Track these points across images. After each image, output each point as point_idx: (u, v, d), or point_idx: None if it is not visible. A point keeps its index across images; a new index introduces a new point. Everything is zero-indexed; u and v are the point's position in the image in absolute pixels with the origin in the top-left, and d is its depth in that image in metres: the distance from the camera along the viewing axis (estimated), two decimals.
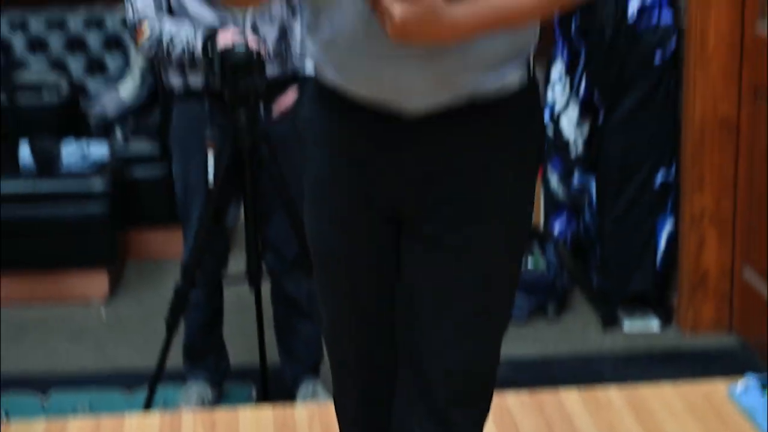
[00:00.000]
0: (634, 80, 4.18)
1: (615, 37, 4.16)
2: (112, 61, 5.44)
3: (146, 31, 3.37)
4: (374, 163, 1.95)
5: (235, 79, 3.21)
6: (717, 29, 4.05)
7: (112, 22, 5.46)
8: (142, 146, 5.00)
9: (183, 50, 3.32)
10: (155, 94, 5.15)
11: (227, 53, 3.19)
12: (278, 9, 3.38)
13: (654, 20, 4.17)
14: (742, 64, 4.05)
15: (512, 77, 1.92)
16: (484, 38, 1.84)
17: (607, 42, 4.18)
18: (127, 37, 5.39)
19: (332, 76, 1.96)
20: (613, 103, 4.23)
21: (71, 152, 4.78)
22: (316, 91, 2.04)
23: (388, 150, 1.94)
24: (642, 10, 4.15)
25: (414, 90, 1.88)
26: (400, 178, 1.94)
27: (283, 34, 3.41)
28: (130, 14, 3.41)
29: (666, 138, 4.23)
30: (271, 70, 3.36)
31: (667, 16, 4.17)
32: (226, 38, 3.22)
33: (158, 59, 3.46)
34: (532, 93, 1.99)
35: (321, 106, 2.03)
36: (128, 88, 5.17)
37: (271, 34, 3.37)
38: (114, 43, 5.45)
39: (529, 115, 1.99)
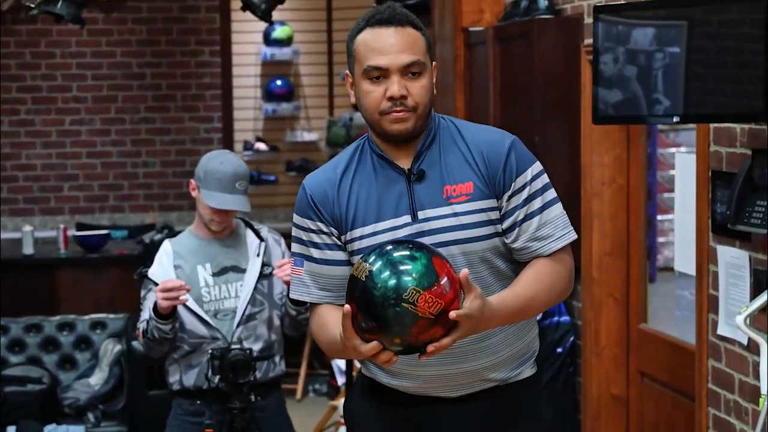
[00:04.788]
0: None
1: None
2: (81, 357, 6.21)
3: (140, 333, 4.16)
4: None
5: (233, 373, 4.03)
6: (607, 326, 5.01)
7: (82, 326, 6.27)
8: (112, 429, 5.74)
9: (144, 330, 4.07)
10: (121, 383, 5.94)
11: (227, 352, 4.02)
12: (264, 328, 4.20)
13: (555, 320, 5.12)
14: (629, 353, 5.00)
15: (526, 370, 2.80)
16: (507, 342, 2.74)
17: None
18: (94, 337, 6.22)
19: (385, 380, 2.78)
20: None
21: None
22: (365, 387, 2.85)
23: (427, 424, 2.76)
24: (544, 312, 5.11)
25: (454, 385, 2.73)
26: None
27: (270, 347, 4.23)
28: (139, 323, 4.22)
29: (568, 414, 5.10)
30: (262, 372, 4.15)
31: (565, 316, 5.13)
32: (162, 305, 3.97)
33: (154, 353, 4.22)
34: (538, 380, 2.88)
35: (372, 397, 2.82)
36: (98, 378, 5.96)
37: (255, 346, 4.14)
38: (83, 342, 6.23)
39: (537, 393, 2.87)
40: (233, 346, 4.06)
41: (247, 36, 8.91)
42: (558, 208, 2.77)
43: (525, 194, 2.72)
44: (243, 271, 4.21)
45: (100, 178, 8.74)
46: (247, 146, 8.89)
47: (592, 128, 4.85)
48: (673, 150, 8.30)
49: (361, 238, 2.73)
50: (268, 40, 8.84)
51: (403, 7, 2.77)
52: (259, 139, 8.97)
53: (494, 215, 2.72)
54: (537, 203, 2.74)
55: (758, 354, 3.56)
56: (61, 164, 8.68)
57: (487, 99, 5.58)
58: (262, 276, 4.21)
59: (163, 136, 8.82)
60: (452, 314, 2.41)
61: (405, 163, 2.75)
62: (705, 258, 3.99)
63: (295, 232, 2.84)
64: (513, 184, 2.72)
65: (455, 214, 2.69)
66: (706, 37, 3.55)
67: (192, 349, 4.15)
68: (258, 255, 4.22)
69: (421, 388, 2.74)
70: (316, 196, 2.77)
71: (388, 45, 2.67)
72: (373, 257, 2.48)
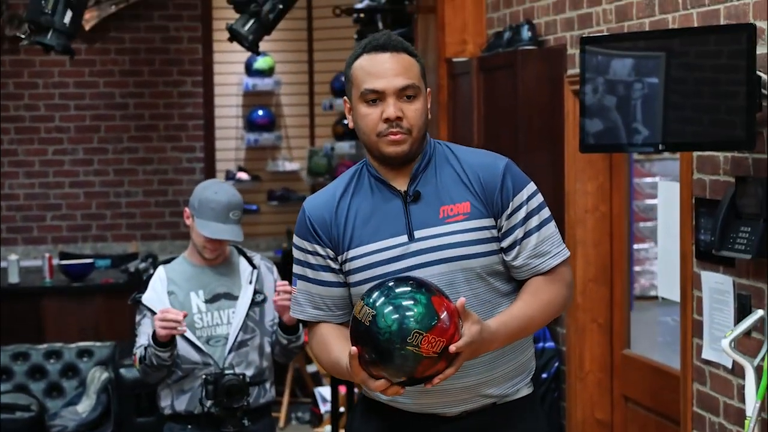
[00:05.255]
0: None
1: None
2: (69, 385, 6.25)
3: (136, 360, 4.23)
4: None
5: (228, 398, 4.10)
6: (591, 352, 5.09)
7: (68, 354, 6.31)
8: None
9: (142, 357, 4.14)
10: (108, 410, 5.98)
11: (221, 377, 4.09)
12: (255, 355, 4.28)
13: (540, 345, 5.20)
14: (613, 378, 5.08)
15: (523, 389, 2.87)
16: (504, 359, 2.80)
17: None
18: (81, 365, 6.26)
19: (385, 398, 2.82)
20: None
21: None
22: (367, 407, 2.91)
23: None
24: None
25: (452, 401, 2.80)
26: None
27: (261, 373, 4.31)
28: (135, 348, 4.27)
29: None
30: (253, 397, 4.22)
31: (550, 342, 5.21)
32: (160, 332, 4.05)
33: (151, 379, 4.28)
34: (535, 398, 2.94)
35: (374, 418, 2.87)
36: (85, 406, 6.00)
37: (247, 372, 4.21)
38: (70, 370, 6.27)
39: (534, 413, 2.92)
40: (227, 371, 4.13)
41: (229, 66, 8.99)
42: (553, 226, 2.87)
43: (522, 213, 2.82)
44: (235, 298, 4.28)
45: (82, 208, 8.78)
46: (229, 176, 8.95)
47: (576, 157, 4.94)
48: (648, 180, 8.40)
49: (359, 257, 2.82)
50: (249, 70, 8.92)
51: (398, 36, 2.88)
52: (240, 169, 9.03)
53: (491, 234, 2.81)
54: (534, 221, 2.83)
55: (743, 377, 3.64)
56: (44, 194, 8.72)
57: (471, 128, 5.67)
58: (254, 303, 4.28)
59: (145, 165, 8.88)
60: (452, 348, 2.53)
61: (401, 185, 2.84)
62: (689, 283, 4.08)
63: (294, 252, 2.93)
64: (510, 203, 2.81)
65: (452, 233, 2.78)
66: (684, 68, 3.65)
67: (184, 374, 4.22)
68: (250, 282, 4.29)
69: (421, 405, 2.80)
70: (314, 218, 2.86)
71: (383, 69, 2.78)
72: (374, 297, 2.57)
